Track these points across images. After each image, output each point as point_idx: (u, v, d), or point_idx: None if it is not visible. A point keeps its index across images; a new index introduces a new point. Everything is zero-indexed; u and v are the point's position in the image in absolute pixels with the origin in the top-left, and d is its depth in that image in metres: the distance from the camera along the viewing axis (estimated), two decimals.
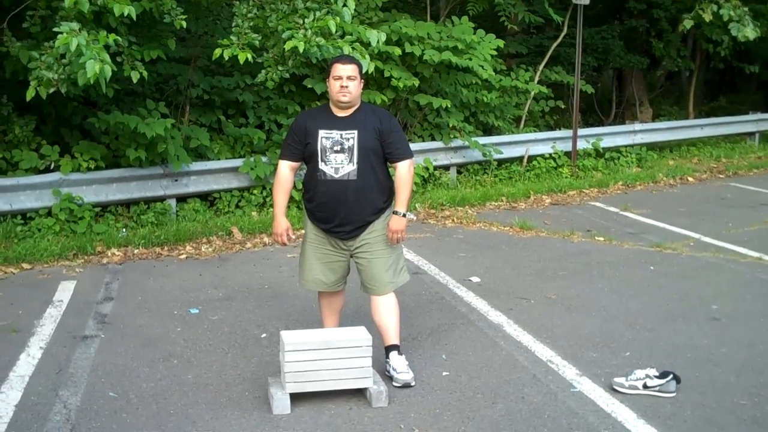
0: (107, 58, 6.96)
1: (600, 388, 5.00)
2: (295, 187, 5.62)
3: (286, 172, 5.18)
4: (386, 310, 5.16)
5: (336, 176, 4.98)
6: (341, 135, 4.98)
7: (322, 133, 5.00)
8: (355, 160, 4.97)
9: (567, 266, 7.73)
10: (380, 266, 5.12)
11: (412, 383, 4.98)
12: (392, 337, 5.16)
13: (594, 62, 16.83)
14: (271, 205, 9.65)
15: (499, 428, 4.49)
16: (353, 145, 4.97)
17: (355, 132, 4.98)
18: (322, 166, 5.00)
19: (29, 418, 4.57)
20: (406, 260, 5.41)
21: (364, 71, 8.09)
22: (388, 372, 5.07)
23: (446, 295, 6.85)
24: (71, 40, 6.78)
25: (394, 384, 4.96)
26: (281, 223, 5.18)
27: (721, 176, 13.03)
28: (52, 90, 7.38)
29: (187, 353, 5.56)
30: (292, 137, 5.15)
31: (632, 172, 12.79)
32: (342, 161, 4.97)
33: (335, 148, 4.97)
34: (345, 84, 4.93)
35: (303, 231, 5.34)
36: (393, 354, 5.10)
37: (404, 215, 5.12)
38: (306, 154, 5.08)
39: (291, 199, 9.13)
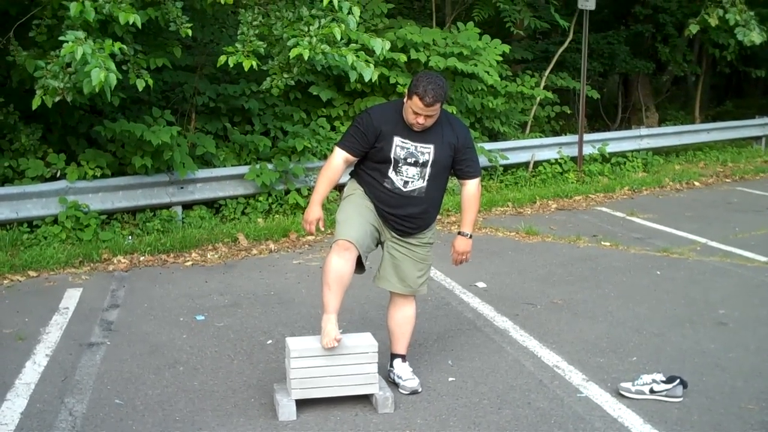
0: (112, 66, 6.98)
1: (606, 393, 4.99)
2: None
3: (339, 162, 4.87)
4: (405, 320, 5.10)
5: (404, 190, 4.79)
6: (416, 147, 4.75)
7: (397, 140, 4.74)
8: (426, 176, 4.78)
9: (573, 271, 7.71)
10: (410, 265, 4.98)
11: (420, 389, 4.97)
12: (402, 347, 5.13)
13: (600, 67, 16.80)
14: (277, 212, 9.74)
15: None
16: (428, 160, 4.76)
17: (432, 147, 4.76)
18: (392, 174, 4.79)
19: (35, 425, 4.58)
20: None
21: (368, 80, 8.18)
22: (392, 379, 5.06)
23: (452, 300, 6.84)
24: (76, 48, 6.81)
25: (401, 391, 4.95)
26: (315, 211, 4.84)
27: (727, 180, 12.99)
28: (57, 98, 7.40)
29: (193, 360, 5.56)
30: (361, 134, 4.80)
31: (638, 176, 12.75)
32: (413, 176, 4.78)
33: (409, 161, 4.75)
34: (422, 121, 4.67)
35: (331, 231, 5.08)
36: (397, 362, 5.10)
37: (470, 236, 5.03)
38: (373, 154, 4.82)
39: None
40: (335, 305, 4.74)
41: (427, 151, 4.77)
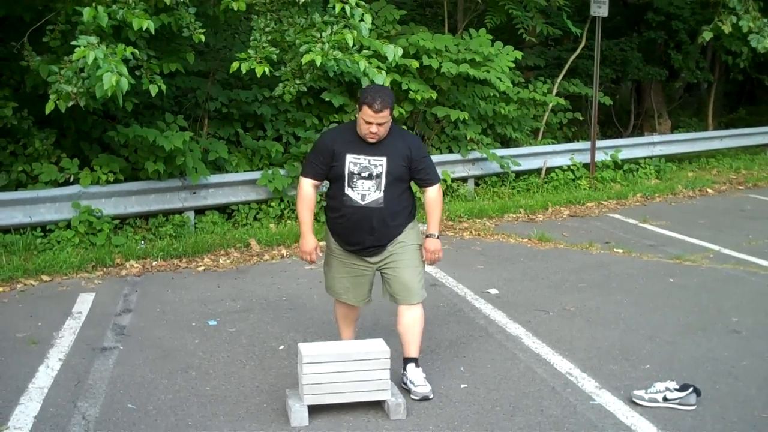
0: (125, 70, 7.00)
1: (620, 400, 4.97)
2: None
3: (309, 189, 5.09)
4: (412, 321, 5.13)
5: (362, 203, 4.94)
6: (369, 161, 4.92)
7: (350, 157, 4.92)
8: (383, 187, 4.93)
9: (586, 278, 7.69)
10: (409, 275, 5.08)
11: (431, 396, 4.97)
12: (413, 350, 5.14)
13: (612, 74, 16.78)
14: (290, 217, 9.75)
15: None
16: (381, 172, 4.92)
17: (384, 159, 4.92)
18: (348, 191, 4.94)
19: (48, 429, 4.59)
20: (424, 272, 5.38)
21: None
22: (405, 384, 5.06)
23: (464, 307, 6.83)
24: (88, 53, 6.83)
25: (413, 397, 4.95)
26: (309, 241, 5.09)
27: (740, 188, 12.95)
28: (71, 103, 7.43)
29: (205, 365, 5.57)
30: (317, 156, 5.05)
31: (651, 183, 12.72)
32: (369, 188, 4.93)
33: (363, 174, 4.92)
34: (374, 130, 4.85)
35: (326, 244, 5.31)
36: (410, 366, 5.09)
37: (438, 237, 5.12)
38: (331, 174, 5.02)
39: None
40: (346, 335, 5.45)
41: (380, 164, 4.93)
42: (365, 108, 4.81)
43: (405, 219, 5.10)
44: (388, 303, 5.26)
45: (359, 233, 5.01)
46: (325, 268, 5.34)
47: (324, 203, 5.42)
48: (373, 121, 4.82)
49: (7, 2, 8.45)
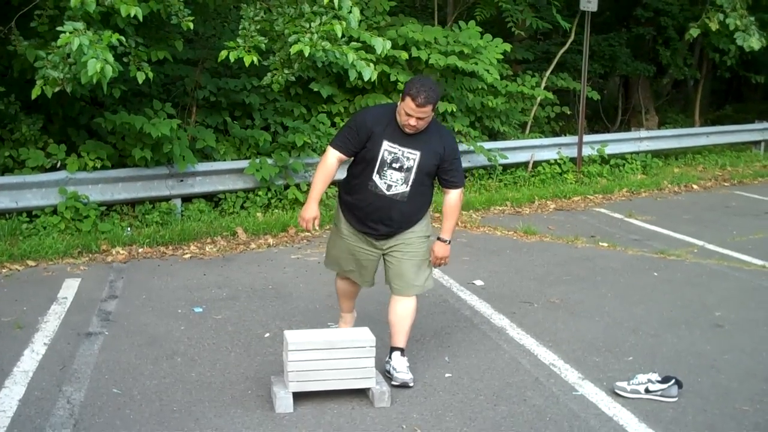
0: (110, 57, 6.96)
1: (602, 391, 5.02)
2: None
3: (333, 161, 4.98)
4: (404, 312, 5.14)
5: (387, 193, 4.91)
6: (403, 152, 4.87)
7: (386, 144, 4.87)
8: (410, 182, 4.90)
9: (571, 271, 7.73)
10: (410, 266, 5.08)
11: (410, 384, 4.99)
12: (401, 340, 5.16)
13: (600, 69, 16.82)
14: (276, 207, 9.75)
15: (501, 430, 4.51)
16: (412, 166, 4.88)
17: (418, 153, 4.87)
18: (375, 177, 4.90)
19: (33, 413, 4.59)
20: None
21: (367, 79, 8.18)
22: (388, 372, 5.09)
23: (450, 298, 6.86)
24: (73, 39, 6.80)
25: (393, 383, 4.97)
26: (312, 209, 4.96)
27: (726, 184, 13.02)
28: (57, 89, 7.40)
29: (191, 352, 5.58)
30: (353, 132, 4.94)
31: (637, 178, 12.78)
32: (397, 180, 4.89)
33: (394, 165, 4.87)
34: (414, 123, 4.79)
35: (329, 227, 5.26)
36: (396, 354, 5.12)
37: (449, 242, 5.11)
38: (361, 156, 4.95)
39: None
40: (346, 306, 5.54)
41: (413, 157, 4.88)
42: (408, 100, 4.73)
43: (422, 213, 5.10)
44: (375, 292, 5.28)
45: (376, 221, 4.99)
46: (330, 244, 5.32)
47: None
48: (414, 114, 4.75)
49: None
